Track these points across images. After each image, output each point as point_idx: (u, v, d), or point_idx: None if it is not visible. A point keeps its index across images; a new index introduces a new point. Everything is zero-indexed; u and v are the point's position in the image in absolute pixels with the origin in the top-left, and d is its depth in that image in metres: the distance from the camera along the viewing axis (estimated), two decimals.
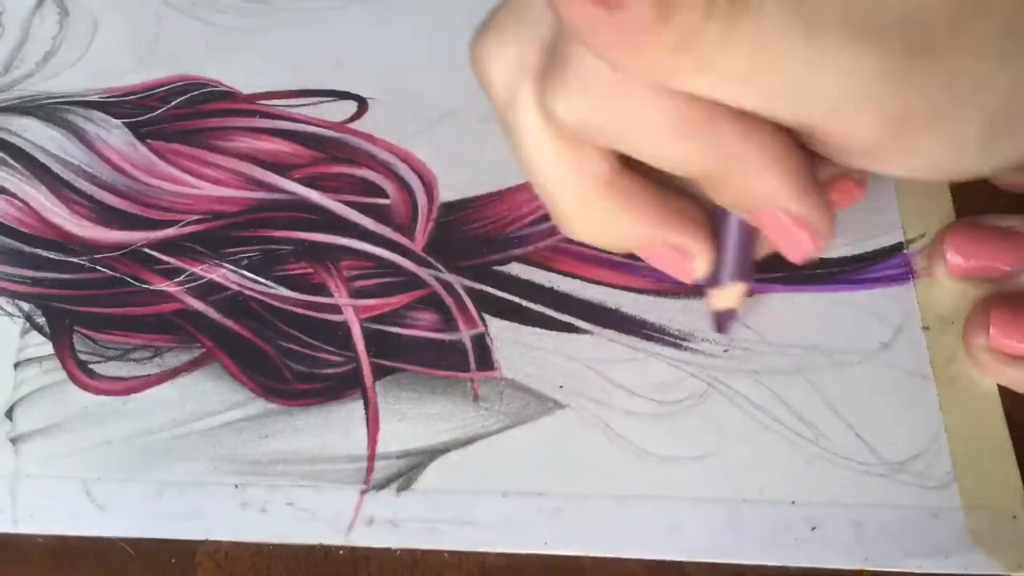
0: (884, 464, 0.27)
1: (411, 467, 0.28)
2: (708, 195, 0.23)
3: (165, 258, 0.32)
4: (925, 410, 0.28)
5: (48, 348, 0.30)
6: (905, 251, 0.31)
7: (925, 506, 0.27)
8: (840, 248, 0.31)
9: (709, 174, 0.22)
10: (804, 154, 0.22)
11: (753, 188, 0.22)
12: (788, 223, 0.23)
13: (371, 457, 0.28)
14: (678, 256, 0.25)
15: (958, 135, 0.20)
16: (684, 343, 0.30)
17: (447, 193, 0.33)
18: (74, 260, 0.32)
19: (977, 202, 0.32)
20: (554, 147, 0.22)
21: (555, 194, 0.23)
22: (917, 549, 0.26)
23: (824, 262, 0.31)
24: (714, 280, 0.26)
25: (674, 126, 0.21)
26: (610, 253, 0.31)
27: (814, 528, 0.26)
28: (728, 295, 0.27)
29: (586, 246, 0.31)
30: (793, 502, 0.27)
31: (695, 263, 0.25)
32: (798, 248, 0.24)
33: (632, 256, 0.31)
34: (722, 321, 0.29)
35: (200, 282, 0.31)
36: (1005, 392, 0.29)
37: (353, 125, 0.35)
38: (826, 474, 0.27)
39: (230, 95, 0.36)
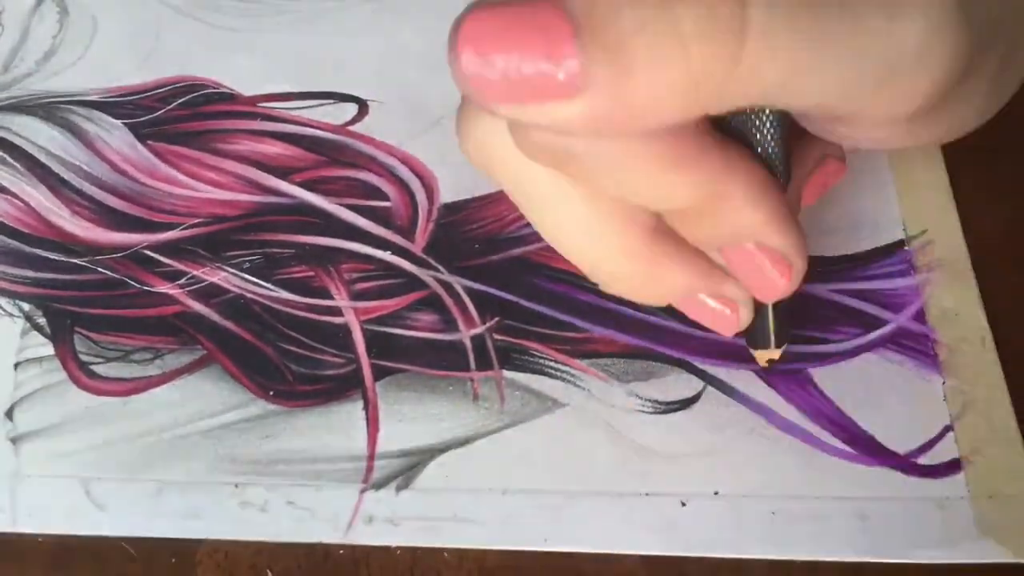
0: (890, 456, 0.27)
1: (411, 466, 0.28)
2: (682, 232, 0.22)
3: (166, 260, 0.32)
4: (930, 401, 0.28)
5: (48, 349, 0.30)
6: (907, 248, 0.31)
7: (931, 497, 0.27)
8: (841, 247, 0.31)
9: (691, 207, 0.20)
10: (780, 184, 0.21)
11: (735, 221, 0.21)
12: (763, 260, 0.22)
13: (371, 456, 0.28)
14: (723, 307, 0.24)
15: (980, 85, 0.19)
16: (683, 342, 0.30)
17: (447, 194, 0.33)
18: (75, 261, 0.32)
19: (977, 197, 0.32)
20: (595, 204, 0.21)
21: (597, 251, 0.22)
22: (924, 540, 0.26)
23: (825, 260, 0.31)
24: (754, 341, 0.26)
25: (665, 157, 0.19)
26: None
27: (819, 522, 0.26)
28: (769, 354, 0.26)
29: None
30: (797, 496, 0.27)
31: (741, 313, 0.24)
32: (772, 286, 0.22)
33: None
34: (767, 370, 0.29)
35: (201, 285, 0.31)
36: (1012, 379, 0.28)
37: (353, 127, 0.35)
38: (830, 468, 0.27)
39: (231, 97, 0.36)
